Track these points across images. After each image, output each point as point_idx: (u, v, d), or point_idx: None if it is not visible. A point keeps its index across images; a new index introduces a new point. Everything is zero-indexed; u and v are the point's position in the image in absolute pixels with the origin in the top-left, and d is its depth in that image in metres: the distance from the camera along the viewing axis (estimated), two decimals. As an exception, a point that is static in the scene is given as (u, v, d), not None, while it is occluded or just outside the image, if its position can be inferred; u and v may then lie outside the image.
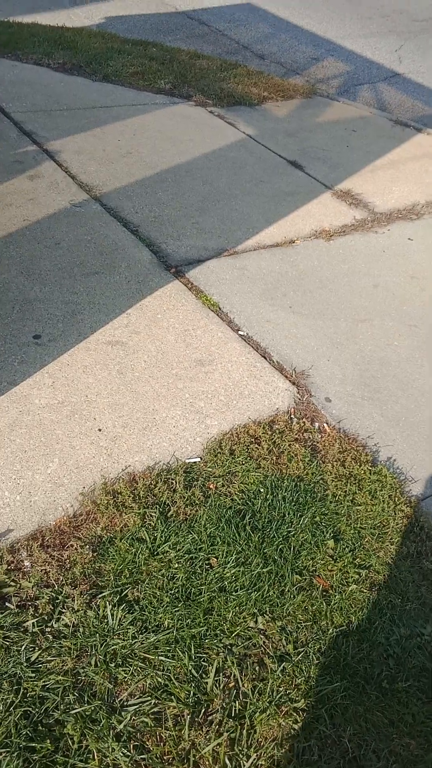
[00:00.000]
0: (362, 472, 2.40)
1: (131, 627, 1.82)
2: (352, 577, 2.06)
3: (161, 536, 2.05)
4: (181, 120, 4.92)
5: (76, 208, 3.60)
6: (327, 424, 2.59)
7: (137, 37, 6.44)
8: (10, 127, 4.25)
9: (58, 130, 4.36)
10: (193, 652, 1.79)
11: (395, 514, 2.28)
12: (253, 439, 2.44)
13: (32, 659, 1.72)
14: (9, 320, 2.76)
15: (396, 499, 2.33)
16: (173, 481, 2.24)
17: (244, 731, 1.67)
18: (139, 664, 1.75)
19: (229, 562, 2.02)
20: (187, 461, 2.33)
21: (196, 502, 2.19)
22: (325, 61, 7.04)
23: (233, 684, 1.76)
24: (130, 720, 1.65)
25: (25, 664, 1.70)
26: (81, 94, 4.98)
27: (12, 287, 2.95)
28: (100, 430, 2.38)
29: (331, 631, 1.91)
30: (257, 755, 1.63)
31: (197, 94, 5.36)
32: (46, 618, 1.81)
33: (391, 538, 2.20)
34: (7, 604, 1.83)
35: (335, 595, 2.00)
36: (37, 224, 3.40)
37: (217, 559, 2.03)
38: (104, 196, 3.76)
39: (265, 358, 2.85)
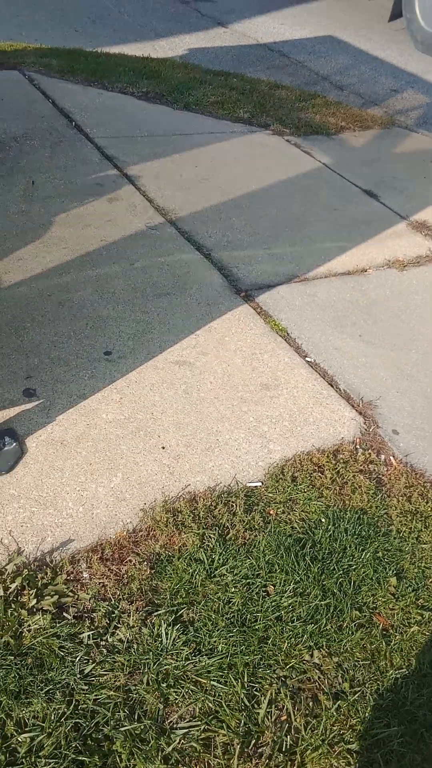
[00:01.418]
0: (429, 509, 2.32)
1: (185, 648, 1.80)
2: (414, 617, 1.98)
3: (219, 559, 2.03)
4: (258, 148, 4.99)
5: (152, 230, 3.69)
6: (393, 457, 2.52)
7: (219, 68, 6.60)
8: (93, 152, 4.42)
9: (138, 155, 4.50)
10: (245, 680, 1.76)
11: (462, 555, 2.18)
12: (316, 467, 2.40)
13: (86, 672, 1.73)
14: (82, 336, 2.84)
15: (464, 539, 2.23)
16: (233, 504, 2.22)
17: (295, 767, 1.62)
18: (191, 687, 1.73)
19: (286, 591, 1.98)
20: (248, 485, 2.31)
21: (256, 527, 2.17)
22: (404, 92, 7.02)
23: (285, 717, 1.72)
24: (178, 743, 1.63)
25: (78, 676, 1.71)
26: (162, 121, 5.13)
27: (86, 305, 3.03)
28: (163, 447, 2.40)
29: (390, 672, 1.84)
30: (307, 795, 1.57)
31: (275, 123, 5.43)
32: (101, 631, 1.82)
33: (457, 580, 2.10)
34: (64, 614, 1.85)
35: (396, 635, 1.93)
36: (113, 245, 3.50)
37: (275, 587, 1.99)
38: (179, 220, 3.84)
39: (332, 386, 2.81)
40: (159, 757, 1.59)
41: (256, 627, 1.88)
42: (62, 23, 7.33)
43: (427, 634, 1.94)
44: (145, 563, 2.00)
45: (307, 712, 1.73)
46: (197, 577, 1.98)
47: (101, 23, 7.57)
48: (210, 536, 2.10)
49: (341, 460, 2.44)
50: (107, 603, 1.89)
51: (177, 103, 5.51)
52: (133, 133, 4.83)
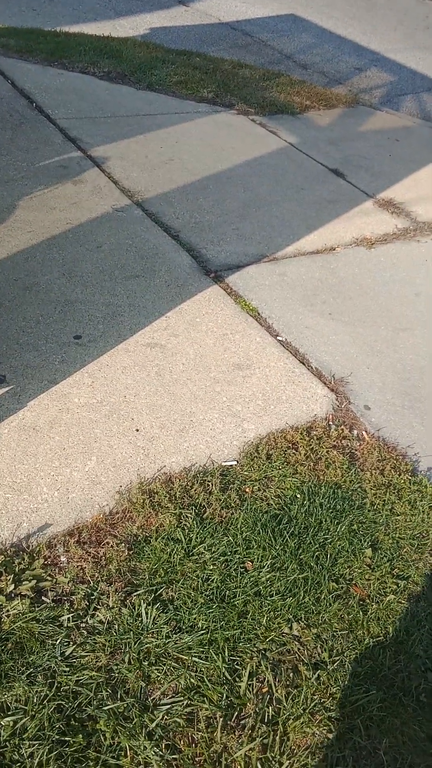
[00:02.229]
0: (402, 481, 2.36)
1: (165, 626, 1.81)
2: (389, 587, 2.02)
3: (197, 537, 2.04)
4: (223, 128, 4.95)
5: (119, 212, 3.65)
6: (366, 432, 2.56)
7: (181, 48, 6.51)
8: (55, 134, 4.33)
9: (102, 136, 4.43)
10: (226, 654, 1.78)
11: (435, 524, 2.23)
12: (290, 445, 2.42)
13: (67, 654, 1.73)
14: (51, 320, 2.80)
15: (436, 509, 2.28)
16: (209, 483, 2.23)
17: (277, 737, 1.64)
18: (173, 663, 1.74)
19: (264, 566, 2.00)
20: (224, 464, 2.32)
21: (232, 505, 2.18)
22: (368, 71, 7.02)
23: (267, 689, 1.74)
24: (162, 719, 1.64)
25: (59, 658, 1.71)
26: (125, 102, 5.06)
27: (54, 288, 2.99)
28: (137, 430, 2.39)
29: (367, 640, 1.88)
30: (290, 762, 1.60)
31: (239, 103, 5.39)
32: (81, 613, 1.82)
33: (430, 549, 2.15)
34: (43, 598, 1.84)
35: (372, 605, 1.97)
36: (79, 228, 3.45)
37: (253, 563, 2.01)
38: (146, 202, 3.80)
39: (303, 363, 2.83)
40: (143, 734, 1.61)
41: (236, 602, 1.90)
42: (19, 2, 7.14)
43: (403, 602, 1.99)
44: (123, 545, 2.00)
45: (288, 683, 1.76)
46: (175, 556, 1.99)
47: (60, 2, 7.39)
48: (187, 516, 2.10)
49: (315, 437, 2.47)
50: (86, 585, 1.88)
51: (140, 83, 5.43)
52: (95, 113, 4.75)
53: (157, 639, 1.79)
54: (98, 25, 6.78)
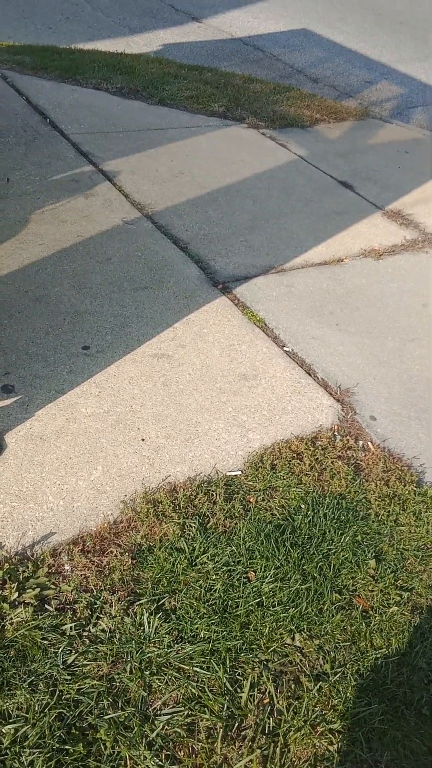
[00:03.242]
0: (407, 492, 2.35)
1: (167, 636, 1.82)
2: (393, 598, 2.01)
3: (200, 547, 2.05)
4: (233, 141, 5.00)
5: (129, 225, 3.69)
6: (371, 442, 2.55)
7: (193, 63, 6.59)
8: (68, 148, 4.40)
9: (113, 151, 4.49)
10: (228, 665, 1.78)
11: (440, 536, 2.22)
12: (295, 455, 2.42)
13: (68, 662, 1.74)
14: (60, 331, 2.84)
15: (441, 521, 2.27)
16: (213, 493, 2.24)
17: (278, 749, 1.64)
18: (174, 673, 1.75)
19: (267, 576, 2.00)
20: (228, 474, 2.33)
21: (236, 515, 2.18)
22: (378, 84, 7.06)
23: (268, 700, 1.74)
24: (162, 729, 1.64)
25: (61, 667, 1.72)
26: (137, 116, 5.13)
27: (64, 300, 3.03)
28: (143, 440, 2.41)
29: (370, 652, 1.87)
30: (290, 774, 1.60)
31: (250, 117, 5.44)
32: (83, 622, 1.83)
33: (435, 561, 2.14)
34: (46, 606, 1.85)
35: (375, 617, 1.96)
36: (90, 240, 3.50)
37: (255, 573, 2.01)
38: (156, 214, 3.84)
39: (309, 374, 2.84)
40: (143, 744, 1.61)
41: (238, 613, 1.90)
42: (35, 21, 7.29)
43: (407, 614, 1.97)
44: (127, 554, 2.01)
45: (289, 694, 1.76)
46: (178, 565, 1.99)
47: (75, 20, 7.53)
48: (191, 525, 2.11)
49: (320, 447, 2.47)
50: (89, 594, 1.90)
51: (152, 98, 5.50)
52: (108, 128, 4.82)
53: (159, 648, 1.79)
54: (112, 42, 6.90)
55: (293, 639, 1.87)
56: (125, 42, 7.02)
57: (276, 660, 1.82)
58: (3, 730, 1.59)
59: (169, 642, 1.81)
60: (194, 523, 2.12)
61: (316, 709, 1.73)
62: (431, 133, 5.87)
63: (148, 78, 5.81)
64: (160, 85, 5.72)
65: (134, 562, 2.00)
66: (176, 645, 1.81)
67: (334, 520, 2.20)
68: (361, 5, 9.78)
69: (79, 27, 7.31)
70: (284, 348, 2.97)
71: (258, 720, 1.69)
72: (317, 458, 2.42)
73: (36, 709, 1.63)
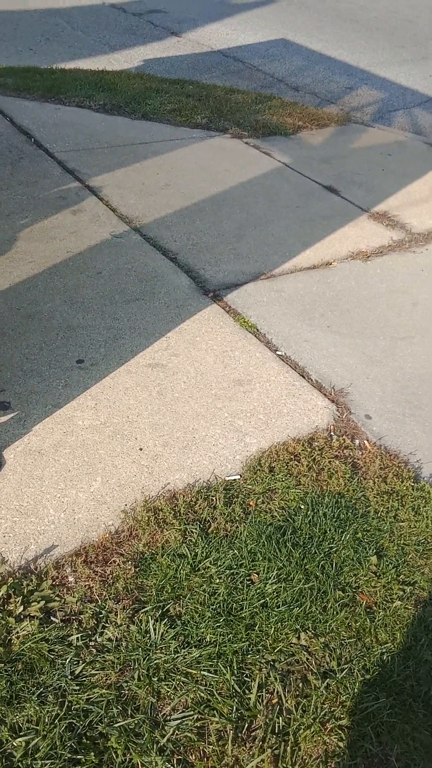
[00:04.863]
0: (405, 488, 2.37)
1: (173, 642, 1.83)
2: (396, 593, 2.02)
3: (202, 552, 2.06)
4: (218, 152, 5.06)
5: (117, 239, 3.72)
6: (367, 441, 2.58)
7: (174, 77, 6.67)
8: (53, 166, 4.45)
9: (99, 166, 4.54)
10: (235, 667, 1.79)
11: (440, 530, 2.24)
12: (292, 457, 2.44)
13: (76, 672, 1.74)
14: (54, 346, 2.86)
15: (440, 515, 2.29)
16: (213, 498, 2.25)
17: (288, 748, 1.65)
18: (182, 678, 1.75)
19: (270, 578, 2.01)
20: (227, 479, 2.34)
21: (237, 518, 2.20)
22: (359, 89, 7.15)
23: (276, 700, 1.75)
24: (173, 734, 1.65)
25: (69, 677, 1.73)
26: (121, 132, 5.18)
27: (56, 315, 3.05)
28: (141, 449, 2.42)
29: (375, 648, 1.88)
30: (302, 772, 1.60)
31: (233, 127, 5.50)
32: (89, 632, 1.84)
33: (436, 554, 2.15)
34: (52, 618, 1.86)
35: (379, 612, 1.97)
36: (79, 255, 3.53)
37: (258, 575, 2.03)
38: (144, 227, 3.88)
39: (303, 377, 2.86)
40: (154, 750, 1.61)
41: (243, 615, 1.91)
42: (16, 43, 7.37)
43: (410, 608, 1.99)
44: (130, 562, 2.02)
45: (297, 693, 1.76)
46: (181, 571, 2.00)
47: (55, 40, 7.62)
48: (192, 531, 2.13)
49: (317, 448, 2.49)
50: (94, 604, 1.91)
51: (135, 113, 5.56)
52: (92, 145, 4.87)
53: (166, 654, 1.80)
54: (93, 61, 6.98)
55: (299, 638, 1.88)
56: (106, 59, 7.10)
57: (283, 660, 1.83)
58: (14, 743, 1.59)
59: (176, 647, 1.82)
60: (195, 528, 2.14)
61: (325, 706, 1.74)
62: (413, 135, 5.94)
63: (130, 94, 5.87)
64: (142, 100, 5.78)
65: (137, 570, 2.01)
66: (183, 650, 1.81)
67: (334, 519, 2.22)
68: (338, 14, 9.91)
69: (59, 47, 7.39)
70: (277, 352, 2.99)
71: (267, 720, 1.70)
72: (314, 459, 2.44)
73: (46, 720, 1.64)
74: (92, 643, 1.82)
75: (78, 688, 1.72)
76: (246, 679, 1.78)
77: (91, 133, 5.06)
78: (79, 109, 5.52)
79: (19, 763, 1.57)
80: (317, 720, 1.70)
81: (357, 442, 2.56)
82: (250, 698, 1.74)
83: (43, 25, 8.08)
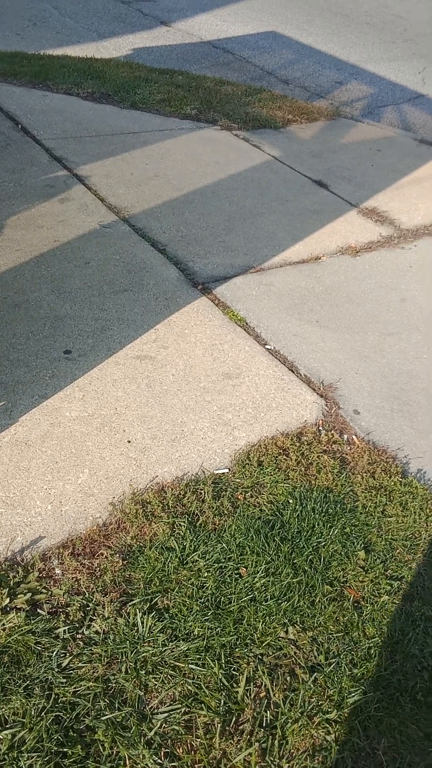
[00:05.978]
0: (392, 483, 2.38)
1: (161, 635, 1.82)
2: (384, 588, 2.03)
3: (190, 545, 2.05)
4: (207, 143, 5.02)
5: (105, 228, 3.69)
6: (356, 436, 2.58)
7: (164, 67, 6.61)
8: (41, 154, 4.39)
9: (87, 155, 4.48)
10: (223, 660, 1.78)
11: (427, 525, 2.25)
12: (281, 451, 2.44)
13: (63, 665, 1.73)
14: (41, 336, 2.82)
15: (428, 510, 2.30)
16: (202, 492, 2.24)
17: (276, 741, 1.65)
18: (170, 671, 1.75)
19: (258, 571, 2.01)
20: (216, 472, 2.34)
21: (225, 512, 2.19)
22: (348, 84, 7.14)
23: (264, 694, 1.75)
24: (160, 727, 1.64)
25: (56, 670, 1.71)
26: (109, 121, 5.12)
27: (43, 305, 3.02)
28: (129, 441, 2.41)
29: (363, 642, 1.88)
30: (289, 766, 1.61)
31: (222, 119, 5.47)
32: (77, 625, 1.82)
33: (423, 549, 2.17)
34: (38, 610, 1.84)
35: (367, 606, 1.98)
36: (67, 245, 3.49)
37: (247, 568, 2.02)
38: (132, 218, 3.84)
39: (292, 371, 2.86)
40: (141, 743, 1.61)
41: (231, 609, 1.90)
42: (2, 27, 7.24)
43: (398, 602, 2.00)
44: (117, 555, 2.01)
45: (285, 686, 1.77)
46: (170, 564, 1.99)
47: (43, 26, 7.51)
48: (180, 524, 2.12)
49: (305, 442, 2.49)
50: (81, 597, 1.89)
51: (123, 102, 5.50)
52: (80, 133, 4.81)
53: (154, 648, 1.79)
54: (82, 48, 6.88)
55: (287, 632, 1.88)
56: (95, 47, 7.01)
57: (271, 653, 1.83)
58: (0, 735, 1.57)
59: (164, 641, 1.81)
60: (184, 521, 2.12)
61: (312, 700, 1.74)
62: (402, 131, 5.95)
63: (119, 82, 5.80)
64: (131, 89, 5.72)
65: (125, 563, 1.99)
66: (171, 643, 1.81)
67: (323, 514, 2.22)
68: (329, 7, 9.89)
69: (47, 33, 7.28)
70: (266, 346, 2.98)
71: (255, 714, 1.70)
72: (303, 453, 2.44)
73: (32, 713, 1.62)
74: (79, 636, 1.81)
75: (65, 680, 1.70)
76: (234, 672, 1.78)
77: (80, 121, 5.00)
78: (67, 97, 5.44)
79: (5, 756, 1.55)
80: (305, 714, 1.71)
81: (345, 437, 2.56)
82: (237, 692, 1.73)
83: (30, 10, 7.95)
